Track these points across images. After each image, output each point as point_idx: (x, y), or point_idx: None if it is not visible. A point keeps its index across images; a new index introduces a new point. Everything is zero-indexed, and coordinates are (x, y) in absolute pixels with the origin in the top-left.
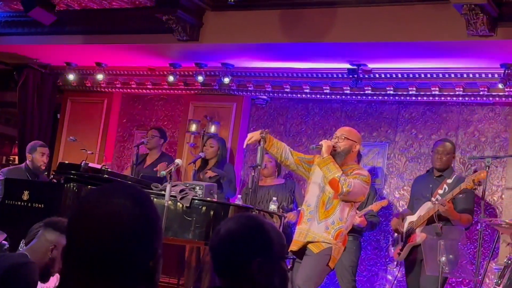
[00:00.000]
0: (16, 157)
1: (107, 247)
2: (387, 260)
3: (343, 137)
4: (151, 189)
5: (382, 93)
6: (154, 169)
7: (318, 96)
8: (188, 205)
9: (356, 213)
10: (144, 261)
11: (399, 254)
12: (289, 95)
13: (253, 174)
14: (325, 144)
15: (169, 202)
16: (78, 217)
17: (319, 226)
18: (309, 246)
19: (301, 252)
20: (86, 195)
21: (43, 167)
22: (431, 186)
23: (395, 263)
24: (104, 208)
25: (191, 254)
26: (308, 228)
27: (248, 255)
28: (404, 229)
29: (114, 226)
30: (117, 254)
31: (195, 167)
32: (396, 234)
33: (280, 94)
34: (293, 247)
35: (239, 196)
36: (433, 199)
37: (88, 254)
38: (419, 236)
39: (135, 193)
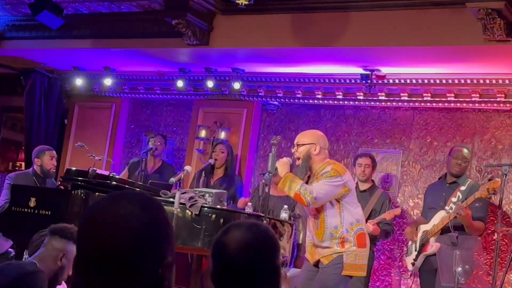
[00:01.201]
0: (23, 163)
1: (116, 254)
2: (401, 270)
3: (297, 145)
4: (160, 196)
5: (396, 99)
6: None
7: (330, 101)
8: (197, 212)
9: (368, 221)
10: (153, 269)
11: (413, 264)
12: (301, 100)
13: (263, 181)
14: (279, 164)
15: (178, 209)
16: (87, 224)
17: (322, 245)
18: (321, 258)
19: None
20: (95, 202)
21: (53, 170)
22: (444, 194)
23: (409, 273)
24: (113, 215)
25: (196, 262)
26: (314, 250)
27: (257, 266)
28: (418, 238)
29: (123, 233)
30: (126, 262)
31: (204, 174)
32: (410, 243)
33: (291, 100)
34: (309, 256)
35: (250, 204)
36: (447, 207)
37: (97, 261)
38: (434, 246)
39: (144, 200)
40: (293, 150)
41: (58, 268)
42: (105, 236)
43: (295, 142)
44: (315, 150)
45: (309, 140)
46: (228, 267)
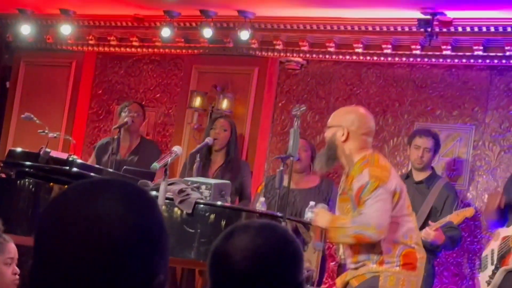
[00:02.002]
0: None
1: (90, 269)
2: None
3: (326, 129)
4: None
5: (467, 54)
6: None
7: (375, 58)
8: (190, 211)
9: (430, 224)
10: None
11: (488, 282)
12: (334, 56)
13: (281, 168)
14: (317, 218)
15: (163, 207)
16: (50, 227)
17: (356, 262)
18: (350, 280)
19: None
20: (61, 195)
21: None
22: None
23: None
24: (87, 215)
25: (187, 280)
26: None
27: (271, 283)
28: (496, 248)
29: (100, 241)
30: (103, 280)
31: (199, 158)
32: (483, 255)
33: (321, 56)
34: (339, 280)
35: (262, 199)
36: None
37: (64, 278)
38: None
39: (131, 194)
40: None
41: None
42: (75, 245)
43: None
44: (342, 136)
45: (336, 122)
46: (232, 285)
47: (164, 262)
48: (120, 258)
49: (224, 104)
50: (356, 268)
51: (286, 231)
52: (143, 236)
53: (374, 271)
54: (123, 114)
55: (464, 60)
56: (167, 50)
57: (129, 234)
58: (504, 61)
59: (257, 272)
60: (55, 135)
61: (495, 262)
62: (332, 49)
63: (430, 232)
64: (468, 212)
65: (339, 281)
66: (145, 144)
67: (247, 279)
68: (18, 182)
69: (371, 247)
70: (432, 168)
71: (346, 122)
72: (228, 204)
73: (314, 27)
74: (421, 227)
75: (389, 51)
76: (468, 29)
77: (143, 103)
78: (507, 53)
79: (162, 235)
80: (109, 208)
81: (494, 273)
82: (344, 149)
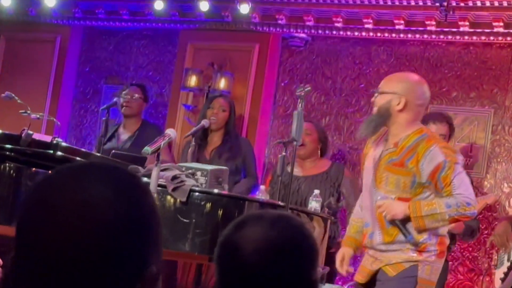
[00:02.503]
0: None
1: (76, 259)
2: None
3: (378, 93)
4: None
5: (486, 30)
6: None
7: (386, 34)
8: (184, 199)
9: None
10: (130, 283)
11: (503, 279)
12: (342, 32)
13: (284, 154)
14: (390, 208)
15: (156, 195)
16: (33, 213)
17: (390, 248)
18: (383, 267)
19: (371, 282)
20: (46, 179)
21: None
22: None
23: None
24: (73, 200)
25: (186, 275)
26: (372, 255)
27: (285, 279)
28: None
29: (86, 227)
30: (90, 270)
31: (194, 142)
32: (501, 251)
33: (327, 32)
34: (359, 276)
35: (263, 187)
36: None
37: (48, 268)
38: None
39: (121, 179)
40: (372, 99)
41: None
42: (61, 232)
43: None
44: (398, 105)
45: (391, 88)
46: (242, 280)
47: (157, 252)
48: (109, 247)
49: (222, 83)
50: (385, 251)
51: (302, 224)
52: (134, 223)
53: (415, 260)
54: (122, 98)
55: (483, 38)
56: (160, 25)
57: (119, 221)
58: None
59: (270, 266)
60: (38, 116)
61: (511, 259)
62: (339, 25)
63: None
64: (490, 199)
65: (364, 269)
66: (144, 128)
67: (259, 274)
68: None
69: (415, 238)
70: None
71: (403, 91)
72: (225, 192)
73: (320, 0)
74: None
75: (401, 27)
76: (487, 3)
77: (134, 81)
78: None
79: (155, 223)
80: (97, 193)
81: (509, 270)
82: (398, 119)
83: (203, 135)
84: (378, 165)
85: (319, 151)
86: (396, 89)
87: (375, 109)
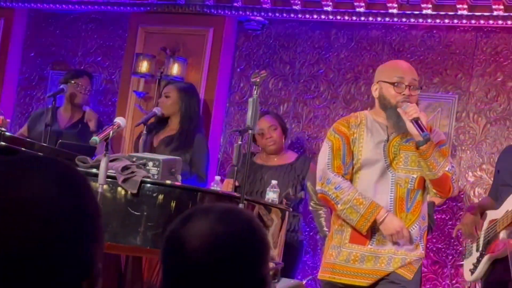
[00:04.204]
0: None
1: (16, 254)
2: (453, 281)
3: (415, 89)
4: (76, 165)
5: (450, 13)
6: None
7: (346, 17)
8: (135, 191)
9: None
10: (73, 279)
11: (472, 271)
12: (300, 15)
13: (239, 143)
14: (414, 110)
15: (105, 186)
16: None
17: (401, 241)
18: (398, 270)
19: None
20: None
21: None
22: None
23: (467, 286)
24: (12, 195)
25: (132, 269)
26: (383, 249)
27: (233, 275)
28: (482, 233)
29: (27, 221)
30: (32, 267)
31: (146, 130)
32: (469, 241)
33: (285, 15)
34: (363, 280)
35: (218, 177)
36: None
37: None
38: (505, 244)
39: (63, 173)
40: (408, 92)
41: None
42: (1, 230)
43: None
44: (374, 90)
45: (375, 76)
46: (188, 276)
47: (100, 248)
48: (51, 245)
49: (175, 69)
50: (409, 250)
51: (252, 217)
52: (79, 220)
53: (421, 257)
54: (70, 87)
55: (446, 21)
56: (109, 8)
57: (61, 216)
58: (491, 21)
59: (215, 262)
60: None
61: (480, 249)
62: (297, 7)
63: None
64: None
65: (372, 272)
66: (91, 115)
67: (204, 269)
68: None
69: (421, 221)
70: None
71: (381, 76)
72: (178, 183)
73: None
74: None
75: (362, 9)
76: None
77: (82, 67)
78: (495, 13)
79: (99, 220)
80: (39, 189)
81: (479, 260)
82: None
83: (157, 123)
84: (388, 148)
85: (284, 144)
86: (376, 76)
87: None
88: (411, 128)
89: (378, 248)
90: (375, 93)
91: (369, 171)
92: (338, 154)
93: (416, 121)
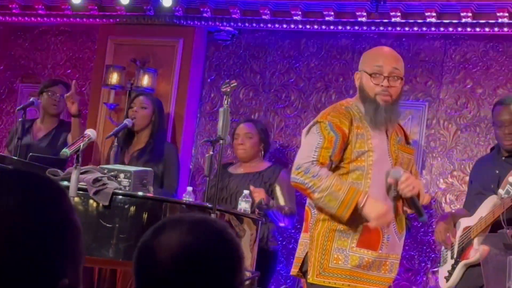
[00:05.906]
0: None
1: None
2: None
3: (397, 79)
4: None
5: (419, 21)
6: None
7: (315, 26)
8: (106, 203)
9: None
10: None
11: (447, 278)
12: (270, 25)
13: (211, 153)
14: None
15: (76, 199)
16: None
17: (400, 244)
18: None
19: None
20: None
21: None
22: (497, 172)
23: None
24: None
25: (106, 281)
26: (390, 254)
27: (206, 287)
28: (457, 240)
29: None
30: None
31: (117, 142)
32: (442, 249)
33: (254, 24)
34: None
35: (190, 188)
36: (501, 191)
37: None
38: (479, 250)
39: (33, 186)
40: (387, 83)
41: None
42: None
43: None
44: (357, 79)
45: (360, 65)
46: (157, 287)
47: (72, 264)
48: (15, 259)
49: (145, 80)
50: (398, 252)
51: (224, 228)
52: (45, 233)
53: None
54: (43, 98)
55: (415, 28)
56: (78, 20)
57: (29, 231)
58: (460, 29)
59: (184, 274)
60: None
61: (455, 256)
62: (267, 17)
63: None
64: (425, 199)
65: (386, 280)
66: (61, 128)
67: (174, 281)
68: None
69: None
70: None
71: (363, 66)
72: (150, 194)
73: None
74: None
75: (331, 18)
76: None
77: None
78: (463, 20)
79: (70, 233)
80: (7, 202)
81: (453, 267)
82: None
83: (127, 135)
84: (390, 147)
85: (261, 152)
86: (360, 65)
87: (394, 98)
88: (407, 203)
89: (387, 253)
90: (356, 83)
91: (378, 171)
92: (327, 152)
93: (413, 200)
